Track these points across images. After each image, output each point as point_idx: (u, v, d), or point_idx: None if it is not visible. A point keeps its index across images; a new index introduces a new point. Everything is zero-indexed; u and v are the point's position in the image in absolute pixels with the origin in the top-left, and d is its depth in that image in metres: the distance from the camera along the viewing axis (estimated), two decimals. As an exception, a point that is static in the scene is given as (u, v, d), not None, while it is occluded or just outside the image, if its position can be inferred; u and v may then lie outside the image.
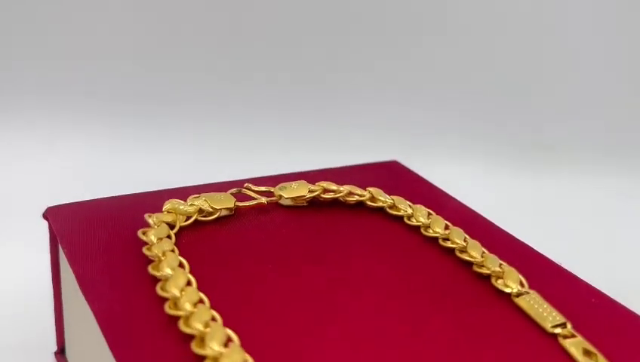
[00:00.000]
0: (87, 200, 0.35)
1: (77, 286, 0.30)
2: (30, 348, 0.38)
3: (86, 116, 0.68)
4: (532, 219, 0.47)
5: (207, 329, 0.25)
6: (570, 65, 0.73)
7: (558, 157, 0.70)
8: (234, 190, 0.35)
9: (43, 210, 0.34)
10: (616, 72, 0.74)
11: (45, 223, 0.35)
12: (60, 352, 0.38)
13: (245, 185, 0.36)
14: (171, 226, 0.32)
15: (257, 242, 0.32)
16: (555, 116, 0.73)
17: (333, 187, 0.36)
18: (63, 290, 0.36)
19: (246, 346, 0.24)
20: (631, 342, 0.28)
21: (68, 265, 0.32)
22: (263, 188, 0.36)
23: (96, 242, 0.31)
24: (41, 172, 0.59)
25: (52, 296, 0.37)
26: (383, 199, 0.36)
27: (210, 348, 0.24)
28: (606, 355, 0.26)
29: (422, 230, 0.34)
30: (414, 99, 0.73)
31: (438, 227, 0.34)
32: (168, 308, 0.26)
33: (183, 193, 0.34)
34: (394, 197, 0.36)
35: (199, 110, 0.71)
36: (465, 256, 0.32)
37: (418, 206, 0.35)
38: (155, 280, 0.28)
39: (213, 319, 0.25)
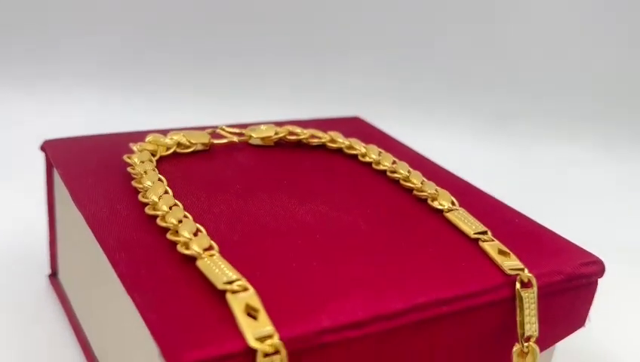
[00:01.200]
0: (81, 136, 0.40)
1: (70, 212, 0.35)
2: (26, 273, 0.43)
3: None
4: (483, 180, 0.51)
5: (180, 224, 0.29)
6: (534, 42, 0.79)
7: (514, 128, 0.77)
8: (210, 130, 0.40)
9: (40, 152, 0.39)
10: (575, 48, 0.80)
11: (42, 156, 0.39)
12: (53, 275, 0.42)
13: (220, 126, 0.41)
14: (153, 154, 0.36)
15: (227, 172, 0.37)
16: (511, 90, 0.80)
17: (298, 130, 0.41)
18: (57, 219, 0.41)
19: (212, 237, 0.29)
20: (538, 247, 0.33)
21: (61, 193, 0.37)
22: (235, 130, 0.41)
23: (88, 165, 0.36)
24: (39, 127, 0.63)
25: (47, 225, 0.41)
26: (341, 141, 0.41)
27: (183, 236, 0.28)
28: (517, 255, 0.31)
29: (373, 165, 0.39)
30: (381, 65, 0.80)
31: (386, 161, 0.39)
32: (148, 210, 0.31)
33: (165, 133, 0.39)
34: (350, 139, 0.41)
35: (180, 77, 0.77)
36: (407, 184, 0.37)
37: (371, 146, 0.40)
38: (137, 191, 0.33)
39: (185, 217, 0.30)
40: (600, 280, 0.33)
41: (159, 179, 0.33)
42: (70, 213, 0.36)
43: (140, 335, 0.27)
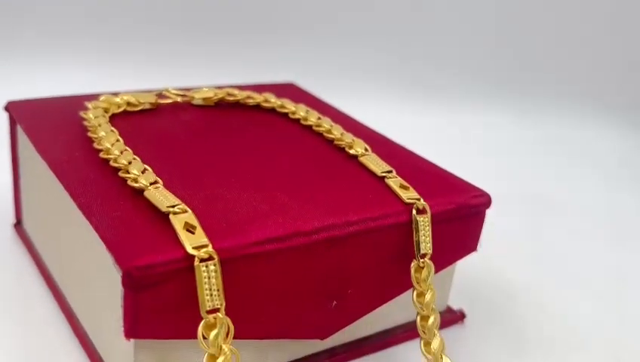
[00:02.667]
0: (42, 98, 0.44)
1: (33, 164, 0.40)
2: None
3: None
4: (407, 140, 0.58)
5: (130, 164, 0.35)
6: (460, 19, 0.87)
7: (439, 97, 0.85)
8: (156, 92, 0.45)
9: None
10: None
11: (6, 116, 0.44)
12: (18, 223, 0.47)
13: (165, 88, 0.46)
14: (106, 111, 0.41)
15: (172, 127, 0.42)
16: (438, 63, 0.87)
17: (235, 92, 0.47)
18: (20, 173, 0.45)
19: (157, 175, 0.34)
20: (435, 183, 0.39)
21: (24, 147, 0.42)
22: (179, 92, 0.46)
23: (48, 121, 0.41)
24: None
25: (12, 179, 0.46)
26: (274, 101, 0.47)
27: (132, 173, 0.34)
28: (416, 189, 0.37)
29: (301, 121, 0.45)
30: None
31: (312, 118, 0.45)
32: (102, 155, 0.36)
33: (117, 94, 0.44)
34: (282, 99, 0.47)
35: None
36: (329, 135, 0.43)
37: (300, 105, 0.46)
38: (92, 141, 0.38)
39: (134, 159, 0.35)
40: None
41: (111, 130, 0.38)
42: (33, 164, 0.41)
43: (98, 257, 0.32)
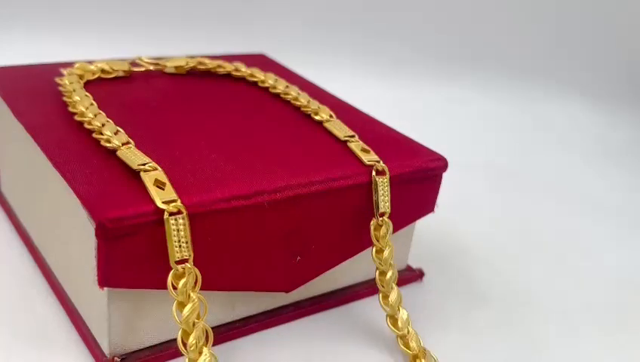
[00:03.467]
0: (19, 65, 0.46)
1: (9, 129, 0.42)
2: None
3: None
4: (376, 112, 0.60)
5: (103, 126, 0.36)
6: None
7: (408, 72, 0.87)
8: (130, 60, 0.47)
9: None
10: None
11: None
12: (-5, 188, 0.49)
13: (139, 56, 0.47)
14: (81, 78, 0.43)
15: (145, 93, 0.44)
16: (406, 40, 0.89)
17: (207, 61, 0.48)
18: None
19: (129, 136, 0.36)
20: (395, 148, 0.42)
21: (2, 113, 0.43)
22: (152, 60, 0.47)
23: (25, 86, 0.42)
24: None
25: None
26: (244, 70, 0.48)
27: (106, 134, 0.36)
28: (376, 152, 0.40)
29: (270, 89, 0.47)
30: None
31: (280, 86, 0.47)
32: (77, 117, 0.38)
33: (91, 62, 0.45)
34: (252, 68, 0.49)
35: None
36: (296, 102, 0.45)
37: (269, 73, 0.48)
38: (67, 105, 0.39)
39: (108, 121, 0.37)
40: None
41: (86, 95, 0.40)
42: (10, 129, 0.42)
43: (73, 213, 0.34)
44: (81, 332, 0.36)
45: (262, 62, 0.54)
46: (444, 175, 0.43)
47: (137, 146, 0.35)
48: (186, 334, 0.32)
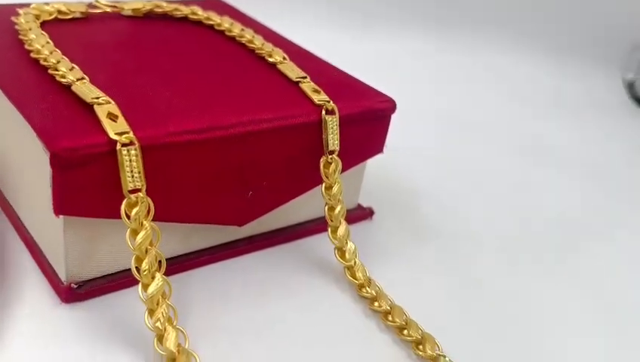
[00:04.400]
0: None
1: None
2: None
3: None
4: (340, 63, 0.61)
5: (59, 63, 0.37)
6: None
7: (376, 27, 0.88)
8: (87, 2, 0.47)
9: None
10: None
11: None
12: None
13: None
14: (37, 18, 0.44)
15: (101, 34, 0.45)
16: None
17: (163, 4, 0.49)
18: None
19: (84, 72, 0.37)
20: (346, 90, 0.43)
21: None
22: (109, 2, 0.48)
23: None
24: None
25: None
26: (200, 13, 0.49)
27: (61, 70, 0.36)
28: (327, 93, 0.41)
29: (226, 32, 0.48)
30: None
31: (236, 29, 0.47)
32: (33, 55, 0.38)
33: (48, 4, 0.46)
34: (208, 12, 0.50)
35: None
36: (251, 45, 0.46)
37: (225, 17, 0.49)
38: (23, 43, 0.40)
39: (63, 58, 0.38)
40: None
41: (42, 34, 0.40)
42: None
43: (29, 145, 0.35)
44: (38, 261, 0.37)
45: (218, 6, 0.55)
46: (399, 121, 0.44)
47: (92, 81, 0.36)
48: (139, 260, 0.33)
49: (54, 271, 0.36)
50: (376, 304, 0.39)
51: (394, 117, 0.44)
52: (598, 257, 0.49)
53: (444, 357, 0.36)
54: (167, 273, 0.34)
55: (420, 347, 0.37)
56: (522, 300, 0.43)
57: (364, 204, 0.49)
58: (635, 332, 0.42)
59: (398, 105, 0.44)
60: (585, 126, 0.74)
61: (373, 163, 0.48)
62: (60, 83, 0.36)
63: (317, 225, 0.45)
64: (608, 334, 0.41)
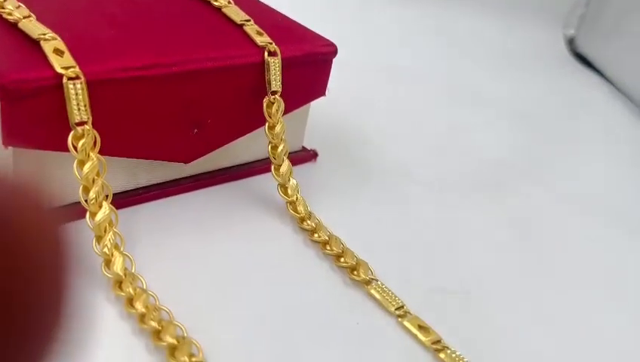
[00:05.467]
0: None
1: None
2: None
3: None
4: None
5: (5, 1, 0.38)
6: None
7: None
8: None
9: None
10: None
11: None
12: None
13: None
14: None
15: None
16: None
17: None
18: None
19: (31, 11, 0.38)
20: (290, 34, 0.45)
21: None
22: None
23: None
24: None
25: None
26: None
27: (7, 8, 0.37)
28: (270, 36, 0.43)
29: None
30: None
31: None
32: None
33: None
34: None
35: None
36: (215, 3, 0.47)
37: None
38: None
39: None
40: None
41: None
42: None
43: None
44: (-11, 195, 0.39)
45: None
46: (343, 69, 0.46)
47: (38, 19, 0.37)
48: (87, 190, 0.35)
49: (5, 203, 0.38)
50: (315, 235, 0.42)
51: (338, 65, 0.46)
52: (525, 196, 0.53)
53: (376, 280, 0.39)
54: (115, 207, 0.36)
55: (355, 272, 0.39)
56: (450, 229, 0.46)
57: (309, 147, 0.51)
58: (552, 256, 0.45)
59: (341, 55, 0.46)
60: (524, 79, 0.77)
61: (318, 109, 0.50)
62: (6, 20, 0.37)
63: (262, 166, 0.47)
64: (529, 259, 0.45)
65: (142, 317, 0.33)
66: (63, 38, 0.36)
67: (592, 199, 0.55)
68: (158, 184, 0.43)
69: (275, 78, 0.42)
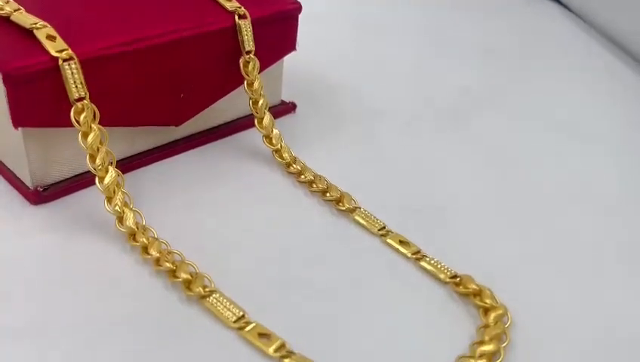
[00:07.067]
0: None
1: None
2: None
3: None
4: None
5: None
6: None
7: None
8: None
9: None
10: None
11: None
12: None
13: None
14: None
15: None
16: None
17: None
18: None
19: (19, 3, 0.42)
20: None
21: None
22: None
23: None
24: None
25: None
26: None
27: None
28: (239, 0, 0.47)
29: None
30: None
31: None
32: (-31, -6, 0.43)
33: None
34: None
35: None
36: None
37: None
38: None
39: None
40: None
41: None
42: None
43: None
44: (4, 175, 0.43)
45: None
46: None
47: (27, 11, 0.41)
48: (93, 158, 0.39)
49: (21, 180, 0.42)
50: (302, 177, 0.46)
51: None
52: (491, 123, 0.57)
53: (359, 208, 0.44)
54: (116, 166, 0.40)
55: (340, 204, 0.44)
56: (423, 159, 0.51)
57: (287, 100, 0.55)
58: (515, 174, 0.50)
59: (307, 11, 0.50)
60: (486, 17, 0.81)
61: (292, 63, 0.54)
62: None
63: (246, 121, 0.51)
64: (495, 178, 0.50)
65: (157, 261, 0.37)
66: (52, 25, 0.40)
67: (553, 119, 0.59)
68: (154, 148, 0.47)
69: (247, 38, 0.46)
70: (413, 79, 0.63)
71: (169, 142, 0.48)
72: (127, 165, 0.45)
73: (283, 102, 0.55)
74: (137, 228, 0.39)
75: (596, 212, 0.47)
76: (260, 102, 0.47)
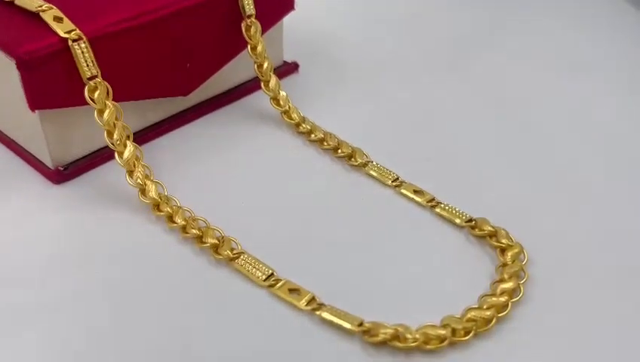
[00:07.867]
0: None
1: None
2: None
3: None
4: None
5: None
6: None
7: None
8: None
9: None
10: None
11: None
12: None
13: None
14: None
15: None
16: None
17: None
18: None
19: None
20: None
21: None
22: None
23: None
24: None
25: None
26: None
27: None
28: (234, -35, 0.47)
29: None
30: None
31: None
32: (-31, -19, 0.43)
33: None
34: None
35: None
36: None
37: None
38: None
39: None
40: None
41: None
42: None
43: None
44: (24, 157, 0.44)
45: None
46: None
47: (31, -5, 0.41)
48: (110, 133, 0.40)
49: (41, 161, 0.43)
50: (312, 135, 0.47)
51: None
52: (487, 62, 0.58)
53: (371, 161, 0.45)
54: (133, 140, 0.41)
55: (352, 159, 0.45)
56: (427, 107, 0.52)
57: (289, 61, 0.56)
58: (517, 117, 0.51)
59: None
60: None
61: (291, 24, 0.55)
62: (3, 1, 0.41)
63: (252, 85, 0.52)
64: (496, 119, 0.51)
65: (183, 228, 0.39)
66: (57, 7, 0.40)
67: (552, 56, 0.60)
68: (165, 119, 0.48)
69: (248, 3, 0.47)
70: (410, 27, 0.64)
71: (179, 112, 0.49)
72: (140, 138, 0.46)
73: (285, 63, 0.55)
74: (160, 199, 0.40)
75: (597, 139, 0.48)
76: (265, 65, 0.48)
